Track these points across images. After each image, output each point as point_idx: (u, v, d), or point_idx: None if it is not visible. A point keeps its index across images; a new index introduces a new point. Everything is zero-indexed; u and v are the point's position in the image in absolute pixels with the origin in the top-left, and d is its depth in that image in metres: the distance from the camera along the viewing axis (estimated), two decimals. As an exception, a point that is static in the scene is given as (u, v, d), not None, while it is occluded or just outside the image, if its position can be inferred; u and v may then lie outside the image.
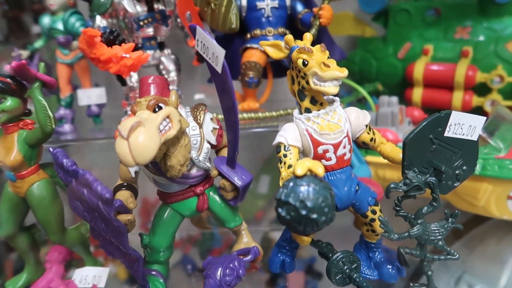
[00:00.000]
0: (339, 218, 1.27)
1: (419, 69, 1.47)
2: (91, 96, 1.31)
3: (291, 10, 1.25)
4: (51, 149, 0.72)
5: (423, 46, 1.52)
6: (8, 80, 0.80)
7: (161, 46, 1.26)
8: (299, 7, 1.24)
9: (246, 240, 0.97)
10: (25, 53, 1.32)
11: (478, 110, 1.40)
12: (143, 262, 0.77)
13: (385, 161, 1.19)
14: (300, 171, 0.66)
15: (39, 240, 0.99)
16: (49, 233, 0.88)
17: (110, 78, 1.60)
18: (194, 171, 0.84)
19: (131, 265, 0.79)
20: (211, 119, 0.88)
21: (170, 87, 1.28)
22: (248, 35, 1.25)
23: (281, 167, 0.78)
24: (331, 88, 0.75)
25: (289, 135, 0.79)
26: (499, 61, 1.38)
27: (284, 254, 0.92)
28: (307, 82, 0.77)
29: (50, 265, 0.97)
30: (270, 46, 0.84)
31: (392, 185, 0.74)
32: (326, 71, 0.74)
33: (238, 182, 0.84)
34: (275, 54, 0.84)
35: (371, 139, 0.85)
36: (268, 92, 1.36)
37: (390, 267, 0.87)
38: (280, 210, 0.65)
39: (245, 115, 1.18)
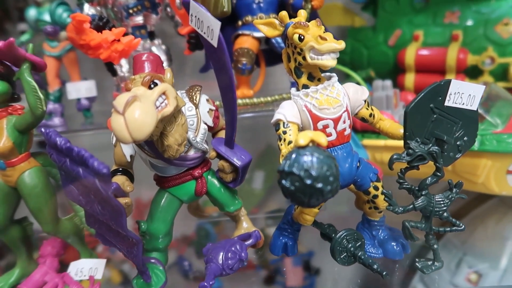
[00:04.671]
0: (335, 206, 1.27)
1: (410, 55, 1.47)
2: (80, 89, 1.28)
3: (281, -4, 1.24)
4: (43, 129, 0.69)
5: (413, 32, 1.53)
6: (-5, 63, 0.78)
7: (151, 35, 1.23)
8: (290, -8, 1.23)
9: (246, 226, 0.95)
10: (11, 47, 1.28)
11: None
12: (142, 248, 0.74)
13: (382, 144, 1.19)
14: (302, 141, 0.64)
15: (31, 234, 0.95)
16: (42, 223, 0.85)
17: (98, 73, 1.57)
18: (191, 153, 0.82)
19: (130, 250, 0.76)
20: (207, 100, 0.86)
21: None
22: (240, 22, 1.24)
23: (281, 144, 0.76)
24: (329, 60, 0.74)
25: (287, 111, 0.78)
26: (489, 43, 1.39)
27: (286, 237, 0.90)
28: (304, 58, 0.76)
29: (44, 260, 0.93)
30: (264, 24, 0.83)
31: (395, 156, 0.73)
32: (323, 44, 0.73)
33: (238, 162, 0.82)
34: (270, 32, 0.82)
35: (370, 115, 0.83)
36: (261, 80, 1.34)
37: (395, 244, 0.86)
38: (284, 181, 0.63)
39: (239, 101, 1.16)
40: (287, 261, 1.01)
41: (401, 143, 1.05)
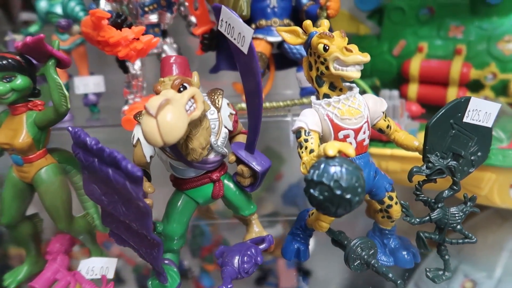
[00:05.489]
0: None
1: (415, 66, 1.50)
2: (88, 84, 1.27)
3: (295, 2, 1.25)
4: (70, 128, 0.68)
5: (418, 43, 1.56)
6: (18, 57, 0.76)
7: (164, 34, 1.23)
8: (304, -1, 1.24)
9: (258, 230, 0.96)
10: (19, 38, 1.26)
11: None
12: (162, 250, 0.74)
13: (389, 153, 1.22)
14: (332, 152, 0.65)
15: (40, 230, 0.94)
16: (56, 221, 0.84)
17: (103, 68, 1.55)
18: (212, 156, 0.83)
19: (149, 252, 0.76)
20: (228, 104, 0.87)
21: (172, 77, 1.26)
22: (253, 26, 1.24)
23: (302, 152, 0.77)
24: (354, 72, 0.76)
25: (309, 119, 0.79)
26: (491, 59, 1.43)
27: (298, 242, 0.92)
28: (327, 68, 0.77)
29: (52, 257, 0.92)
30: (287, 32, 0.84)
31: (415, 169, 0.75)
32: (348, 56, 0.75)
33: (258, 167, 0.83)
34: (292, 40, 0.83)
35: (388, 126, 0.85)
36: (270, 84, 1.35)
37: (406, 253, 0.88)
38: (312, 190, 0.64)
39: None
40: (280, 263, 1.02)
41: (407, 153, 1.07)
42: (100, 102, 1.42)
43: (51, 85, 0.76)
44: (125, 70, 1.18)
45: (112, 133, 1.25)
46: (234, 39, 0.73)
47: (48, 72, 0.76)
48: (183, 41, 1.46)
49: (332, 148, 0.66)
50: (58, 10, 1.23)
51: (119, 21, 1.00)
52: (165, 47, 1.24)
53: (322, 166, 0.64)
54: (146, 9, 1.13)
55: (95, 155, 0.66)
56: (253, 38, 1.21)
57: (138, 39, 0.96)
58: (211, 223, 1.27)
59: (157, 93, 0.71)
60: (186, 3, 1.21)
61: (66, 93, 0.76)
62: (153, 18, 1.16)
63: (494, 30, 1.46)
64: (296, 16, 1.27)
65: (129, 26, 1.00)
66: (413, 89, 1.53)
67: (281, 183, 1.61)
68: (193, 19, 1.24)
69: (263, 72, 1.23)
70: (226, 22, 0.74)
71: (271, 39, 1.21)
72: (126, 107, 1.18)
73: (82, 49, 1.29)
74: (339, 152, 0.67)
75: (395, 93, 1.30)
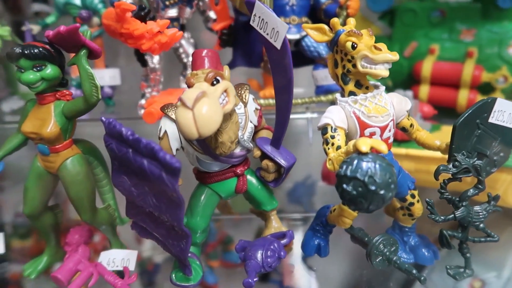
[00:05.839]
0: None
1: (427, 67, 1.51)
2: (104, 77, 1.26)
3: (313, 1, 1.26)
4: (103, 118, 0.68)
5: (429, 45, 1.57)
6: (48, 46, 0.76)
7: (182, 29, 1.23)
8: (323, -2, 1.25)
9: (277, 225, 0.96)
10: (36, 28, 1.25)
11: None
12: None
13: (404, 152, 1.22)
14: (365, 148, 0.66)
15: (61, 221, 0.94)
16: (81, 212, 0.84)
17: (117, 61, 1.55)
18: (238, 150, 0.83)
19: (175, 244, 0.76)
20: (253, 99, 0.87)
21: (188, 71, 1.26)
22: (272, 23, 1.24)
23: (328, 148, 0.78)
24: (382, 71, 0.77)
25: (335, 116, 0.79)
26: (502, 63, 1.45)
27: (319, 238, 0.92)
28: (354, 66, 0.78)
29: (71, 248, 0.92)
30: (313, 29, 0.84)
31: (441, 167, 0.76)
32: (378, 54, 0.76)
33: (284, 162, 0.84)
34: (319, 37, 0.84)
35: (411, 125, 0.86)
36: (285, 82, 1.35)
37: (426, 250, 0.89)
38: (345, 186, 0.65)
39: (264, 101, 1.18)
40: (284, 261, 1.02)
41: (422, 152, 1.08)
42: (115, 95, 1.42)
43: (82, 75, 0.76)
44: (144, 63, 1.18)
45: (126, 126, 1.25)
46: (267, 34, 0.73)
47: (80, 62, 0.75)
48: (197, 37, 1.46)
49: (365, 144, 0.66)
50: (77, 1, 1.22)
51: (142, 14, 1.00)
52: (183, 42, 1.24)
53: (356, 161, 0.65)
54: (167, 2, 1.13)
55: (130, 145, 0.66)
56: (271, 35, 1.23)
57: (162, 32, 0.96)
58: (215, 220, 1.27)
59: (190, 85, 0.72)
60: (206, -2, 1.21)
61: (98, 83, 0.76)
62: (173, 12, 1.16)
63: (505, 34, 1.48)
64: (314, 14, 1.27)
65: (153, 19, 1.00)
66: (424, 90, 1.54)
67: (286, 181, 1.62)
68: (211, 14, 1.24)
69: (280, 69, 1.23)
70: (259, 17, 0.74)
71: (289, 36, 1.22)
72: (143, 101, 1.17)
73: (99, 42, 1.29)
74: (371, 148, 0.68)
75: (409, 93, 1.31)
